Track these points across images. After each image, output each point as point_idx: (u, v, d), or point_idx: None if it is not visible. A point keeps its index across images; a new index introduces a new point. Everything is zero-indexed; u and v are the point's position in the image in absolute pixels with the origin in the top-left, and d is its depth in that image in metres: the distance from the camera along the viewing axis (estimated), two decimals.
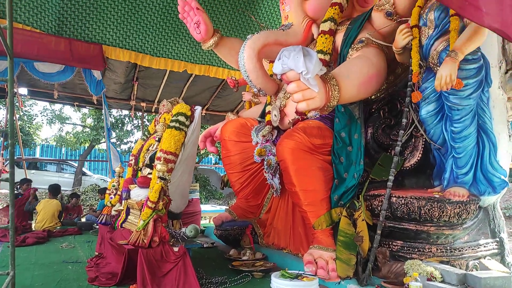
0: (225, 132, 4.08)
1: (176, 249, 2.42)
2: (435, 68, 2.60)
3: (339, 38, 3.47)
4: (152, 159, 3.00)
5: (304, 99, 2.59)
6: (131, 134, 13.72)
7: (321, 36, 3.52)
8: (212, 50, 4.54)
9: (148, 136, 3.57)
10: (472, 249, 2.61)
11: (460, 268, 2.39)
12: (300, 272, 2.08)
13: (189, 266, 2.36)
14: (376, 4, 3.30)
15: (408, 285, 2.09)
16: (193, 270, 2.36)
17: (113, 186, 3.65)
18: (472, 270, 2.40)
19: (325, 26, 3.51)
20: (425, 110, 2.69)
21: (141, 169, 3.27)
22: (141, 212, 2.81)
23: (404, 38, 2.71)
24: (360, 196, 2.86)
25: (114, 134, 13.05)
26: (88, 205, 9.21)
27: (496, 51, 2.65)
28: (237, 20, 5.45)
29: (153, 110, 8.65)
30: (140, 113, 9.08)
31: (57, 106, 13.73)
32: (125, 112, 13.55)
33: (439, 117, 2.65)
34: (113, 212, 3.46)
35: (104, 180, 12.57)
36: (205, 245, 3.87)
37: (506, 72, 2.72)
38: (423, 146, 2.89)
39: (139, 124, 13.54)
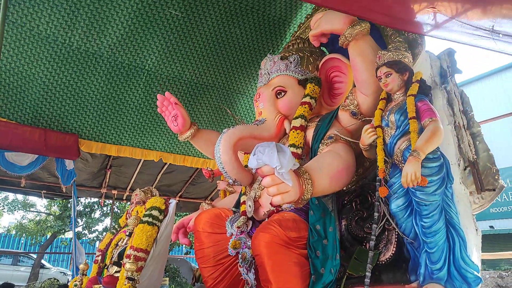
0: (199, 223, 3.98)
1: None
2: (400, 165, 2.77)
3: (310, 133, 3.69)
4: (121, 255, 2.86)
5: (278, 193, 2.65)
6: (99, 222, 13.12)
7: (293, 131, 3.74)
8: (188, 141, 4.68)
9: (118, 229, 3.43)
10: None
11: None
12: None
13: None
14: (342, 105, 3.60)
15: None
16: None
17: (75, 285, 3.37)
18: None
19: (297, 123, 3.74)
20: (395, 204, 2.78)
21: (107, 266, 3.08)
22: None
23: (369, 137, 2.92)
24: None
25: (81, 222, 12.44)
26: None
27: (454, 150, 2.88)
28: (213, 114, 5.73)
29: (124, 198, 8.45)
30: (110, 201, 8.85)
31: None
32: (94, 199, 13.16)
33: (409, 211, 2.74)
34: None
35: (64, 273, 11.58)
36: None
37: (464, 169, 2.93)
38: (396, 239, 2.92)
39: (108, 212, 13.08)
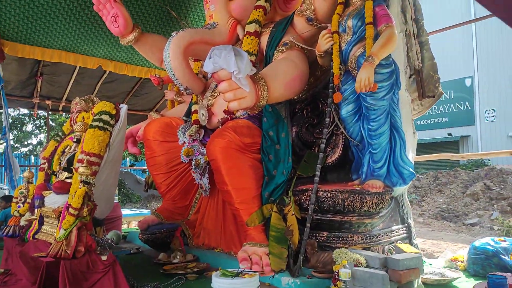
0: (149, 131, 3.91)
1: (104, 257, 2.25)
2: (354, 72, 2.84)
3: (264, 40, 3.59)
4: (70, 161, 2.75)
5: (235, 98, 2.63)
6: (32, 136, 12.32)
7: (247, 37, 3.60)
8: (130, 46, 4.32)
9: (63, 137, 3.25)
10: (387, 235, 2.91)
11: (378, 253, 2.65)
12: (239, 269, 2.10)
13: (119, 275, 2.21)
14: (298, 10, 3.48)
15: (338, 272, 2.25)
16: (124, 278, 2.22)
17: (21, 193, 3.24)
18: (387, 254, 2.67)
19: (251, 28, 3.59)
20: (345, 110, 2.92)
21: (55, 173, 2.97)
22: (58, 220, 2.56)
23: (326, 43, 2.91)
24: (289, 191, 2.99)
25: (11, 136, 11.58)
26: None
27: (403, 58, 3.00)
28: (157, 16, 5.24)
29: (60, 109, 7.89)
30: (44, 112, 8.24)
31: None
32: (24, 111, 12.16)
33: (357, 116, 2.91)
34: (22, 223, 3.07)
35: (0, 188, 11.08)
36: (131, 251, 3.68)
37: (410, 77, 3.09)
38: (343, 143, 3.13)
39: (42, 124, 12.26)
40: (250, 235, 2.88)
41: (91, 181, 2.33)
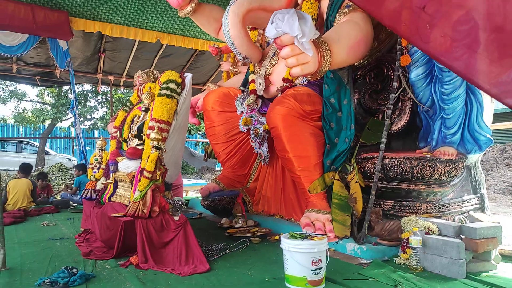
0: (207, 102, 3.99)
1: (176, 218, 2.38)
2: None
3: (324, 3, 3.44)
4: (140, 129, 2.88)
5: (298, 64, 2.56)
6: (95, 110, 13.12)
7: (306, 1, 3.48)
8: (187, 18, 4.35)
9: (131, 107, 3.41)
10: (458, 205, 2.76)
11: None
12: (308, 232, 2.12)
13: (190, 235, 2.33)
14: None
15: (407, 240, 2.20)
16: (195, 238, 2.33)
17: (96, 159, 3.48)
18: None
19: None
20: (415, 74, 2.75)
21: (127, 140, 3.14)
22: (132, 184, 2.73)
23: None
24: (352, 159, 2.92)
25: (77, 111, 12.42)
26: (55, 185, 8.82)
27: None
28: None
29: (121, 84, 8.29)
30: (106, 87, 8.69)
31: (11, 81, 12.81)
32: (87, 87, 12.93)
33: (428, 80, 2.72)
34: (99, 186, 3.32)
35: (69, 159, 12.04)
36: (194, 216, 3.86)
37: None
38: (410, 109, 2.96)
39: (104, 100, 12.99)
40: (311, 202, 2.88)
41: (162, 147, 2.43)
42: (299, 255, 1.82)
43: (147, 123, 2.74)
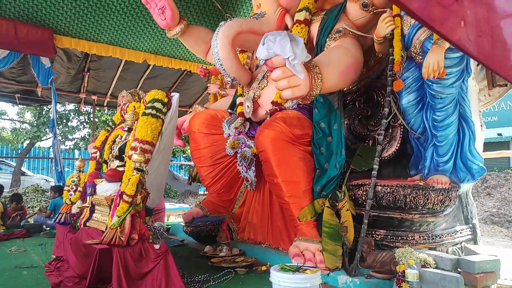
0: (194, 124, 3.87)
1: (157, 246, 2.20)
2: (417, 58, 2.63)
3: (314, 28, 3.44)
4: (122, 150, 2.73)
5: (289, 86, 2.50)
6: (76, 130, 12.80)
7: (296, 26, 3.46)
8: (175, 40, 4.29)
9: (113, 126, 3.26)
10: (451, 236, 2.68)
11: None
12: (299, 264, 1.97)
13: (171, 265, 2.16)
14: None
15: (402, 273, 2.08)
16: (176, 269, 2.16)
17: (73, 181, 3.29)
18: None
19: (301, 16, 3.45)
20: (406, 100, 2.72)
21: (107, 162, 2.97)
22: (110, 208, 2.55)
23: (387, 27, 2.71)
24: (342, 186, 2.82)
25: (57, 131, 12.07)
26: (29, 207, 8.41)
27: None
28: (202, 9, 5.22)
29: (105, 104, 8.11)
30: (89, 108, 8.50)
31: None
32: (69, 107, 12.66)
33: (420, 106, 2.70)
34: (74, 210, 3.11)
35: (46, 180, 11.59)
36: (176, 243, 3.66)
37: (478, 64, 2.83)
38: (401, 136, 2.92)
39: (86, 120, 12.71)
40: (301, 231, 2.75)
41: (144, 169, 2.28)
42: None
43: (130, 144, 2.60)
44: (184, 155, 14.63)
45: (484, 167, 2.55)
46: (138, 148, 2.34)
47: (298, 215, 2.73)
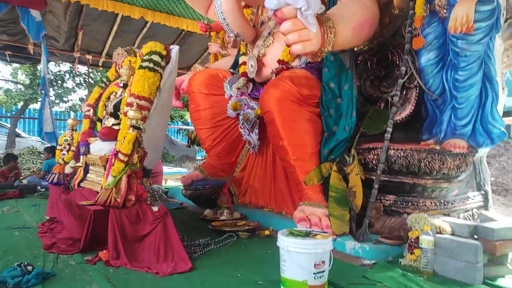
0: (194, 84, 3.66)
1: (155, 208, 2.07)
2: (441, 12, 2.40)
3: None
4: (117, 107, 2.55)
5: (300, 40, 2.29)
6: (72, 92, 12.47)
7: None
8: None
9: (108, 83, 3.05)
10: (462, 202, 2.57)
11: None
12: (309, 229, 1.85)
13: (171, 228, 2.03)
14: None
15: (416, 239, 1.96)
16: (176, 232, 2.04)
17: (65, 140, 3.11)
18: None
19: None
20: (426, 58, 2.50)
21: (101, 120, 2.79)
22: (105, 169, 2.40)
23: None
24: (352, 149, 2.67)
25: (52, 92, 11.77)
26: (25, 169, 8.28)
27: None
28: None
29: (100, 64, 7.81)
30: (84, 68, 8.20)
31: None
32: (64, 68, 12.27)
33: (440, 65, 2.49)
34: (67, 170, 2.96)
35: (41, 142, 11.41)
36: (175, 206, 3.55)
37: (505, 21, 2.60)
38: (416, 98, 2.73)
39: (82, 82, 12.37)
40: (306, 195, 2.62)
41: (141, 126, 2.11)
42: (300, 256, 1.55)
43: (125, 100, 2.41)
44: (182, 120, 14.40)
45: (505, 131, 2.39)
46: (135, 104, 2.16)
47: (304, 179, 2.59)
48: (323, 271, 1.58)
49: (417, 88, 2.71)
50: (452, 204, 2.49)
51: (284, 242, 1.60)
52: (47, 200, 3.13)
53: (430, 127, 2.71)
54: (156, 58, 2.30)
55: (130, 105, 2.19)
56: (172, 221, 2.06)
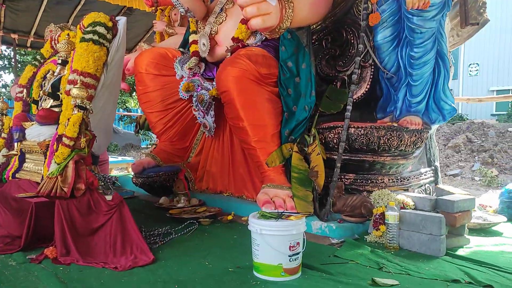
0: (141, 64, 3.39)
1: (109, 197, 1.87)
2: None
3: None
4: (56, 86, 2.25)
5: (259, 14, 2.20)
6: None
7: None
8: None
9: (42, 61, 2.70)
10: (416, 178, 2.66)
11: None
12: (280, 211, 1.78)
13: (127, 218, 1.85)
14: None
15: (381, 215, 1.99)
16: (133, 221, 1.86)
17: None
18: None
19: None
20: (382, 35, 2.52)
21: (37, 101, 2.47)
22: (45, 156, 2.12)
23: None
24: (312, 129, 2.64)
25: None
26: None
27: None
28: None
29: (28, 45, 7.03)
30: (9, 48, 7.35)
31: None
32: None
33: (395, 43, 2.52)
34: None
35: None
36: (125, 196, 3.31)
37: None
38: (371, 76, 2.76)
39: (7, 64, 11.16)
40: (268, 177, 2.56)
41: (87, 106, 1.88)
42: (274, 239, 1.48)
43: (66, 78, 2.13)
44: (124, 107, 13.65)
45: (455, 107, 2.50)
46: (79, 82, 1.91)
47: (266, 160, 2.52)
48: (298, 253, 1.53)
49: (372, 67, 2.74)
50: (408, 180, 2.58)
51: (257, 225, 1.52)
52: None
53: (384, 106, 2.76)
54: (101, 29, 2.05)
55: (73, 82, 1.94)
56: (129, 211, 1.88)
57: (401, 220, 1.91)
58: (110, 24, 2.11)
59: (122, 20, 2.17)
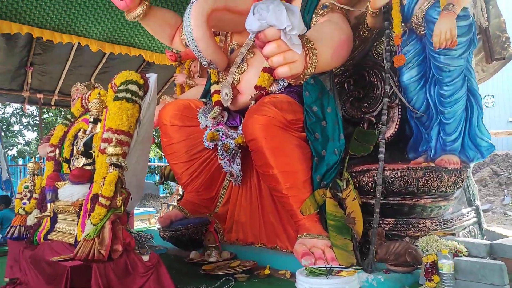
0: (165, 116, 3.44)
1: (146, 257, 1.80)
2: (419, 29, 2.44)
3: (297, 3, 3.15)
4: (88, 145, 2.27)
5: (285, 62, 2.21)
6: (19, 135, 11.62)
7: None
8: (131, 25, 3.86)
9: (73, 120, 2.76)
10: (459, 219, 2.53)
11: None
12: (328, 266, 1.68)
13: (165, 279, 1.77)
14: None
15: (432, 264, 1.85)
16: (171, 282, 1.78)
17: (26, 187, 2.72)
18: None
19: None
20: (408, 76, 2.52)
21: (68, 160, 2.49)
22: (78, 216, 2.10)
23: None
24: (344, 173, 2.57)
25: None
26: None
27: None
28: None
29: (52, 103, 7.31)
30: (33, 108, 7.64)
31: None
32: (11, 109, 11.46)
33: (422, 82, 2.51)
34: (30, 222, 2.57)
35: None
36: (159, 253, 3.21)
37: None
38: (399, 116, 2.73)
39: (31, 122, 11.57)
40: (303, 226, 2.46)
41: (123, 164, 1.87)
42: None
43: (98, 136, 2.16)
44: None
45: (493, 143, 2.41)
46: (114, 140, 1.92)
47: (300, 208, 2.44)
48: None
49: (399, 107, 2.72)
50: (451, 222, 2.45)
51: (306, 283, 1.42)
52: (5, 259, 2.69)
53: (415, 145, 2.70)
54: (133, 87, 2.09)
55: (108, 141, 1.95)
56: (166, 270, 1.80)
57: (455, 269, 1.78)
58: (141, 81, 2.16)
59: (153, 77, 2.22)
